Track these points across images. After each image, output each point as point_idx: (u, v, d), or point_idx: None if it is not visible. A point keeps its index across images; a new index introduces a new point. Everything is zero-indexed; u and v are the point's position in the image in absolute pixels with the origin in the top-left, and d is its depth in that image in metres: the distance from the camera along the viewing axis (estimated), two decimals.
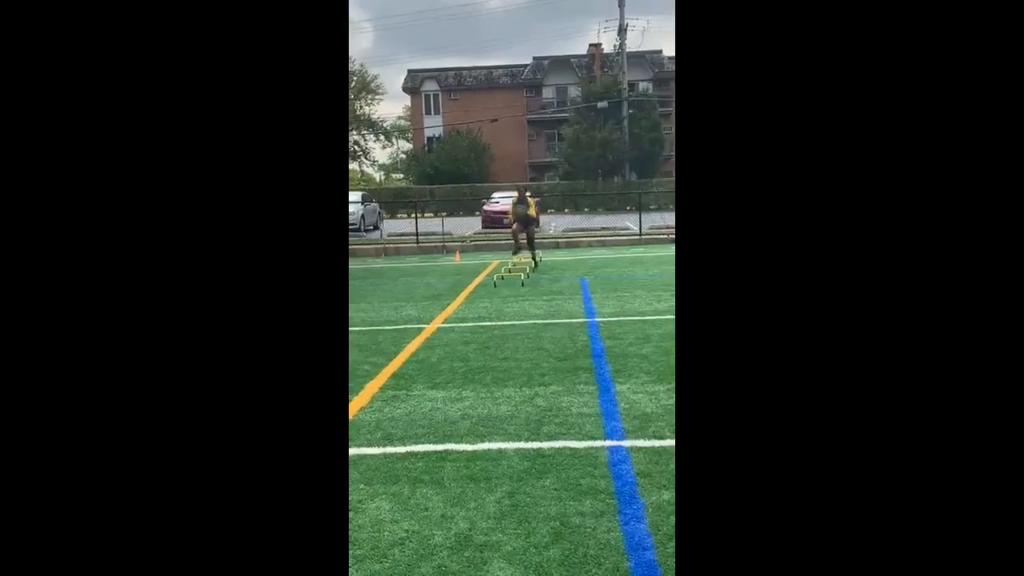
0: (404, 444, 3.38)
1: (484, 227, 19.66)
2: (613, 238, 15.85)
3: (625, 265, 11.24)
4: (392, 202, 27.97)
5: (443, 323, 6.65)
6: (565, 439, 3.40)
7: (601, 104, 30.67)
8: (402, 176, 42.66)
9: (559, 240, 15.88)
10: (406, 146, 41.71)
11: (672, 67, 30.36)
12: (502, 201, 20.71)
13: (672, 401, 3.69)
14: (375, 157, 53.15)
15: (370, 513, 2.65)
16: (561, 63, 37.74)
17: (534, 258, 11.36)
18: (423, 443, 3.32)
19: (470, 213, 24.49)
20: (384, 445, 3.39)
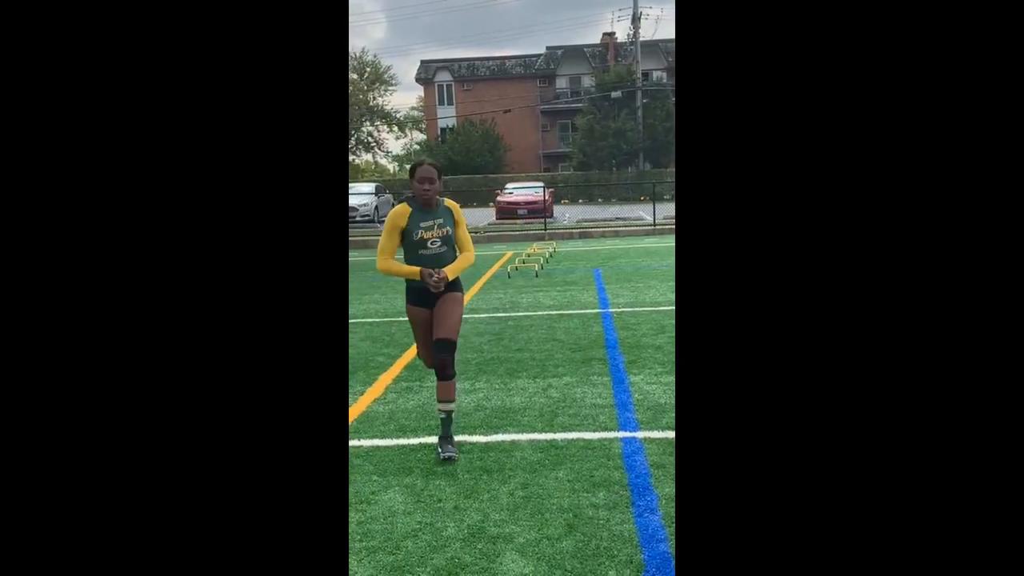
0: (417, 435, 3.39)
1: (498, 218, 19.64)
2: (627, 228, 15.78)
3: (639, 255, 11.16)
4: (406, 193, 27.95)
5: None
6: (579, 430, 3.39)
7: (615, 93, 30.50)
8: None
9: (573, 230, 15.84)
10: (420, 137, 41.77)
11: None
12: (515, 192, 20.70)
13: None
14: (389, 148, 53.30)
15: (383, 505, 2.66)
16: (574, 53, 37.54)
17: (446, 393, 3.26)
18: (437, 434, 3.32)
19: (484, 204, 24.47)
20: (398, 437, 3.40)
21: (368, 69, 40.13)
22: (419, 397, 3.99)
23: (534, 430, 3.41)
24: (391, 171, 45.22)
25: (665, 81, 33.27)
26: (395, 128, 42.88)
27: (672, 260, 10.43)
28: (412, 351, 5.16)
